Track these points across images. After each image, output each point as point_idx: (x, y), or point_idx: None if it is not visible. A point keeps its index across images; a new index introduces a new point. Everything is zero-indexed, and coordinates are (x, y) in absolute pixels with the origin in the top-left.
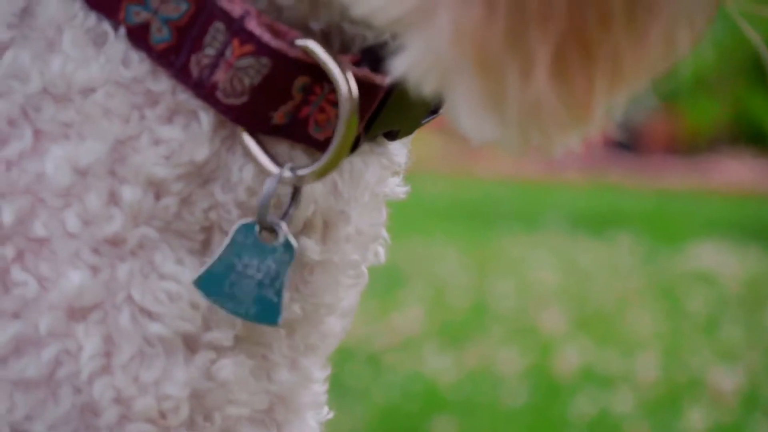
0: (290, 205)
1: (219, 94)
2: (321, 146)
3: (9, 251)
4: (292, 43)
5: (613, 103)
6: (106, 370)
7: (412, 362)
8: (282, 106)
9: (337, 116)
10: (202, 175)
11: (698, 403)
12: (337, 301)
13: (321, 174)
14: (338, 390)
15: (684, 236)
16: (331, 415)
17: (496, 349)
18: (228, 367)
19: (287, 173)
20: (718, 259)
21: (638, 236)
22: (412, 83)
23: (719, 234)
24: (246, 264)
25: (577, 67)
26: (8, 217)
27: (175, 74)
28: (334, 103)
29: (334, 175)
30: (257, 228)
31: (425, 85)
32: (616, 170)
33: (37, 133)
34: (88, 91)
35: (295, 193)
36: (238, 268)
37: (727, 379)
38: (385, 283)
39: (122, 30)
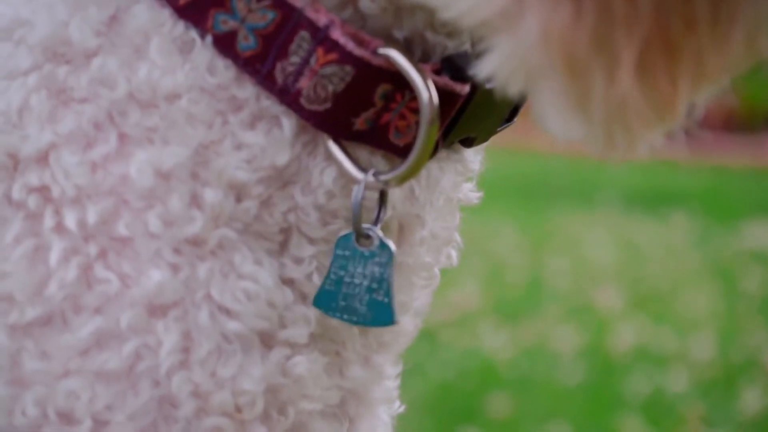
0: (380, 210)
1: (303, 101)
2: (400, 152)
3: (92, 249)
4: (374, 52)
5: (694, 100)
6: (184, 365)
7: (468, 339)
8: (364, 112)
9: (417, 123)
10: (282, 179)
11: (754, 384)
12: (410, 301)
13: (403, 179)
14: None
15: (740, 215)
16: (402, 409)
17: (551, 327)
18: (302, 364)
19: (371, 178)
20: None
21: (694, 214)
22: (498, 84)
23: None
24: (352, 274)
25: (661, 67)
26: (92, 217)
27: (261, 81)
28: (415, 110)
29: (411, 181)
30: (354, 237)
31: (511, 86)
32: (672, 148)
33: (122, 137)
34: (173, 97)
35: (383, 197)
36: (346, 280)
37: None
38: None
39: (209, 38)
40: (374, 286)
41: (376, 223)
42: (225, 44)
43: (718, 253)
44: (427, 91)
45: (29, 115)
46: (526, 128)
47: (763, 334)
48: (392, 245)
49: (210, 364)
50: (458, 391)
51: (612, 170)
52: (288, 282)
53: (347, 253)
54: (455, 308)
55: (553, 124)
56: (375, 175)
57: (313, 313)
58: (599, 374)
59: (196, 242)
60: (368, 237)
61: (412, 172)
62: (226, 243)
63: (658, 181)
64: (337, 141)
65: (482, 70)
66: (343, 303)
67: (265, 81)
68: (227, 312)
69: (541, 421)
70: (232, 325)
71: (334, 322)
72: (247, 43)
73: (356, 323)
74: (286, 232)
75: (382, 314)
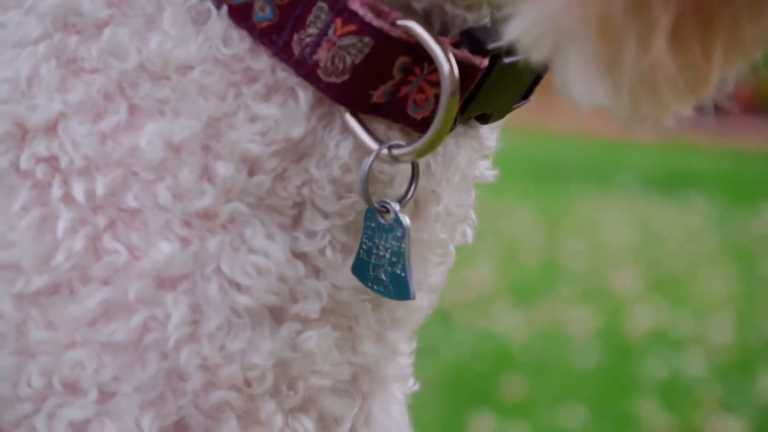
0: (411, 184)
1: (320, 72)
2: (418, 126)
3: (101, 221)
4: (393, 23)
5: (727, 73)
6: (192, 338)
7: (483, 320)
8: (382, 85)
9: (435, 96)
10: (297, 152)
11: None
12: (425, 278)
13: (421, 153)
14: None
15: (759, 198)
16: (416, 387)
17: (567, 309)
18: (313, 339)
19: (385, 150)
20: None
21: (712, 197)
22: (522, 50)
23: None
24: (378, 246)
25: (696, 36)
26: (101, 189)
27: (277, 52)
28: (433, 84)
29: (428, 156)
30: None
31: (537, 52)
32: (690, 129)
33: (132, 108)
34: (185, 68)
35: (415, 170)
36: (374, 251)
37: None
38: None
39: (224, 8)
40: (393, 259)
41: (405, 196)
42: (241, 15)
43: (737, 236)
44: (447, 63)
45: (38, 84)
46: (543, 110)
47: None
48: (406, 220)
49: (219, 338)
50: (472, 372)
51: (630, 153)
52: (301, 256)
53: (373, 224)
54: (470, 289)
55: (578, 90)
56: (391, 147)
57: (324, 287)
58: (615, 357)
59: (206, 216)
60: (387, 210)
61: (432, 146)
62: (237, 217)
63: (677, 163)
64: (354, 114)
65: (508, 34)
66: (372, 274)
67: (282, 52)
68: (237, 286)
69: (555, 403)
70: (242, 300)
71: (346, 297)
72: (263, 13)
73: (383, 295)
74: (299, 205)
75: (400, 288)
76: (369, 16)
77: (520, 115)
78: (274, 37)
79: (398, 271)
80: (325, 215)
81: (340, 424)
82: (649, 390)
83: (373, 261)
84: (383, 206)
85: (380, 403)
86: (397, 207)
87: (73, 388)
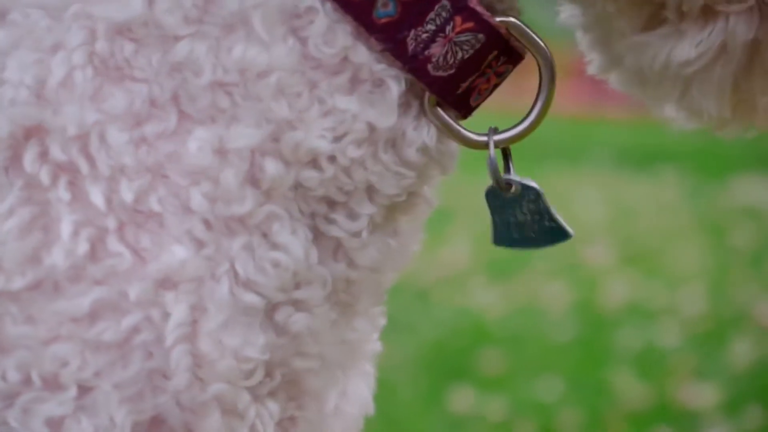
0: (508, 159)
1: (430, 67)
2: (467, 112)
3: (110, 223)
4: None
5: None
6: (190, 336)
7: (460, 297)
8: (470, 77)
9: (495, 85)
10: (373, 140)
11: (744, 337)
12: (415, 249)
13: (521, 137)
14: (387, 325)
15: (730, 171)
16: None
17: (542, 284)
18: (301, 321)
19: (495, 137)
20: (764, 194)
21: (684, 171)
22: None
23: (766, 169)
24: (514, 215)
25: None
26: (125, 194)
27: (392, 48)
28: (499, 74)
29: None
30: (496, 189)
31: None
32: None
33: (182, 115)
34: (264, 74)
35: (507, 150)
36: (511, 220)
37: None
38: (433, 219)
39: (328, 5)
40: (537, 217)
41: (507, 172)
42: (361, 10)
43: (708, 209)
44: (549, 53)
45: (67, 90)
46: (516, 91)
47: (753, 288)
48: (534, 183)
49: (218, 335)
50: (450, 348)
51: (601, 130)
52: (322, 239)
53: (498, 202)
54: (447, 266)
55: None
56: (493, 132)
57: (339, 270)
58: (590, 330)
59: (240, 220)
60: (509, 185)
61: (531, 131)
62: (270, 215)
63: (648, 140)
64: (439, 104)
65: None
66: (518, 236)
67: (397, 48)
68: (248, 284)
69: (533, 376)
70: (250, 297)
71: (361, 275)
72: (386, 9)
73: (538, 248)
74: (347, 193)
75: (556, 236)
76: (486, 14)
77: (493, 97)
78: (393, 33)
79: (547, 224)
80: (379, 197)
81: (324, 402)
82: (624, 361)
83: (512, 229)
84: (507, 183)
85: (355, 379)
86: (518, 178)
87: (52, 384)
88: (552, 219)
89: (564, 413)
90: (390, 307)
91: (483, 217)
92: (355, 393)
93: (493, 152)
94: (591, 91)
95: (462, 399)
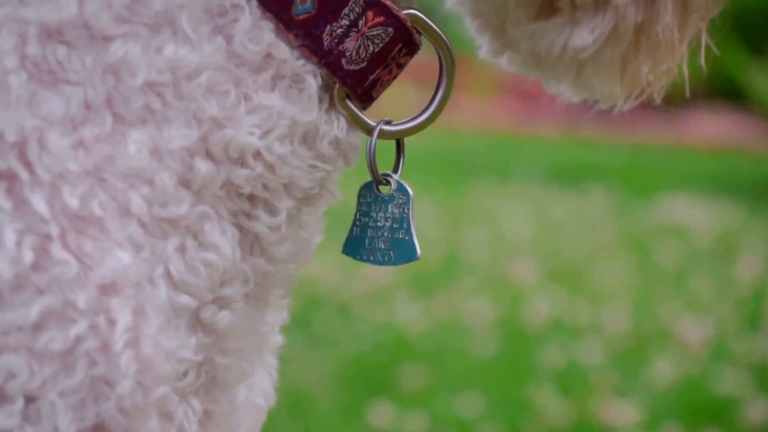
0: (399, 156)
1: (343, 61)
2: (369, 103)
3: (53, 230)
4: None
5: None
6: (133, 341)
7: (383, 312)
8: (377, 69)
9: (395, 77)
10: (295, 135)
11: (666, 354)
12: (318, 240)
13: (419, 129)
14: (308, 338)
15: (656, 190)
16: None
17: (466, 300)
18: (226, 318)
19: (384, 127)
20: (689, 213)
21: (611, 189)
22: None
23: (692, 188)
24: (375, 218)
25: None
26: (67, 199)
27: (308, 43)
28: (400, 65)
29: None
30: (374, 184)
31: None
32: (590, 124)
33: (117, 118)
34: (194, 74)
35: (400, 145)
36: (371, 225)
37: (695, 331)
38: None
39: (254, 2)
40: (395, 226)
41: (395, 170)
42: (280, 7)
43: (635, 227)
44: (449, 43)
45: (3, 98)
46: (449, 108)
47: (676, 306)
48: (410, 187)
49: (157, 338)
50: (372, 363)
51: (531, 147)
52: (244, 237)
53: (369, 199)
54: (370, 282)
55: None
56: (387, 124)
57: (257, 265)
58: (514, 346)
59: (172, 221)
60: (386, 183)
61: (428, 123)
62: (201, 216)
63: (577, 157)
64: (348, 96)
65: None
66: (368, 247)
67: (314, 43)
68: (181, 285)
69: (453, 392)
70: (184, 299)
71: (277, 269)
72: (303, 6)
73: (379, 263)
74: (268, 188)
75: (405, 251)
76: (395, 8)
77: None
78: (310, 29)
79: (401, 236)
80: (295, 190)
81: (236, 394)
82: (546, 378)
83: (369, 234)
84: (385, 178)
85: (259, 370)
86: (397, 177)
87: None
88: (407, 231)
89: (484, 430)
90: (312, 320)
91: None
92: (260, 385)
93: (374, 142)
94: (523, 108)
95: (382, 414)
